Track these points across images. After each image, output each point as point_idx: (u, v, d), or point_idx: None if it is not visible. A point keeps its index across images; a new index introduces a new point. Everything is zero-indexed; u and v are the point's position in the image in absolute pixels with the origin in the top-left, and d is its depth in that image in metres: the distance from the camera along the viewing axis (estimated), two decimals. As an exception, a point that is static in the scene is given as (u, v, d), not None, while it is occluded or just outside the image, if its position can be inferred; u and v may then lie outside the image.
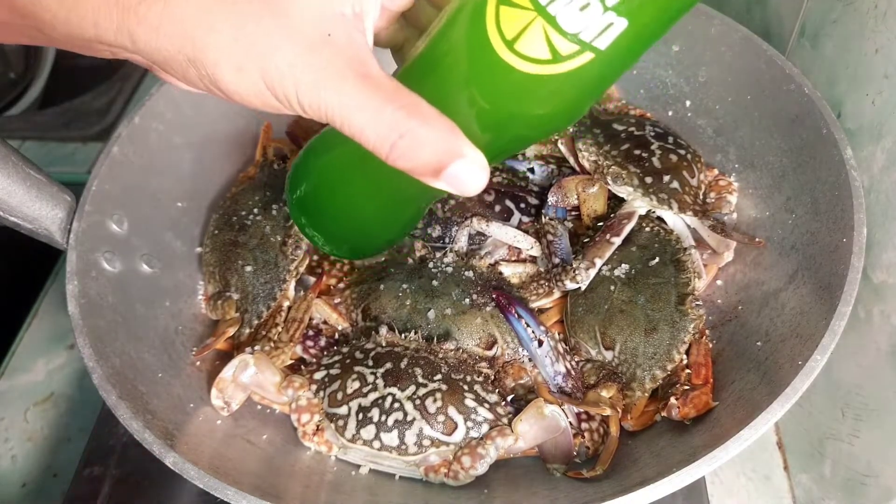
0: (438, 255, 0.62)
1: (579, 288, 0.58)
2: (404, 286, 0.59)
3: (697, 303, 0.56)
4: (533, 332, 0.55)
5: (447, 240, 0.63)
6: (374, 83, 0.30)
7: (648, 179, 0.62)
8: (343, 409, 0.52)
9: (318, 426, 0.53)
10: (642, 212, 0.62)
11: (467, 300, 0.58)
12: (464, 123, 0.31)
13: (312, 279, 0.63)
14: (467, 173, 0.30)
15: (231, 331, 0.59)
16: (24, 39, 0.33)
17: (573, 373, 0.55)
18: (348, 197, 0.43)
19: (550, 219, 0.63)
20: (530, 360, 0.56)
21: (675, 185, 0.62)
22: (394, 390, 0.51)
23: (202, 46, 0.30)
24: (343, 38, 0.30)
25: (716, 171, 0.66)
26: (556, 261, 0.60)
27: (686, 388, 0.52)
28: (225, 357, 0.58)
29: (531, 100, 0.31)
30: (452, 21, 0.32)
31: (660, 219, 0.63)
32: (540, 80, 0.30)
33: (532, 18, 0.29)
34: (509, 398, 0.55)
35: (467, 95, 0.32)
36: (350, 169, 0.42)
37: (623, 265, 0.59)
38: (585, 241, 0.61)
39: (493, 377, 0.55)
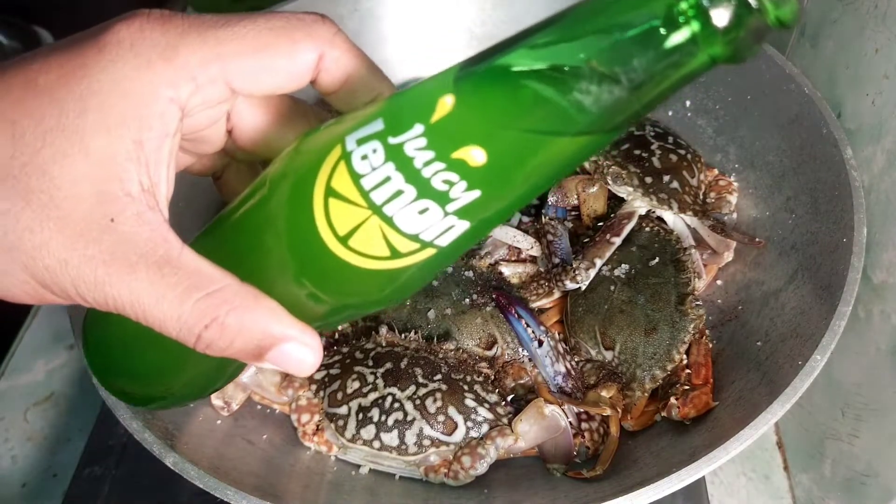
0: (438, 255, 0.62)
1: (579, 288, 0.58)
2: (404, 286, 0.59)
3: (697, 303, 0.56)
4: (533, 332, 0.55)
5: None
6: (173, 269, 0.26)
7: (648, 179, 0.62)
8: (343, 409, 0.52)
9: (318, 426, 0.53)
10: (642, 212, 0.62)
11: (467, 300, 0.58)
12: (290, 302, 0.28)
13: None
14: (292, 356, 0.28)
15: (231, 331, 0.59)
16: None
17: (573, 373, 0.55)
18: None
19: (550, 219, 0.63)
20: (530, 360, 0.56)
21: (675, 185, 0.62)
22: (394, 390, 0.51)
23: None
24: (130, 221, 0.26)
25: (716, 171, 0.66)
26: (556, 261, 0.60)
27: (686, 388, 0.52)
28: (225, 357, 0.57)
29: (366, 288, 0.29)
30: (274, 198, 0.29)
31: (660, 219, 0.63)
32: (376, 273, 0.28)
33: (366, 216, 0.26)
34: (509, 398, 0.55)
35: (294, 280, 0.29)
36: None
37: (623, 265, 0.59)
38: (585, 241, 0.61)
39: (493, 377, 0.55)
